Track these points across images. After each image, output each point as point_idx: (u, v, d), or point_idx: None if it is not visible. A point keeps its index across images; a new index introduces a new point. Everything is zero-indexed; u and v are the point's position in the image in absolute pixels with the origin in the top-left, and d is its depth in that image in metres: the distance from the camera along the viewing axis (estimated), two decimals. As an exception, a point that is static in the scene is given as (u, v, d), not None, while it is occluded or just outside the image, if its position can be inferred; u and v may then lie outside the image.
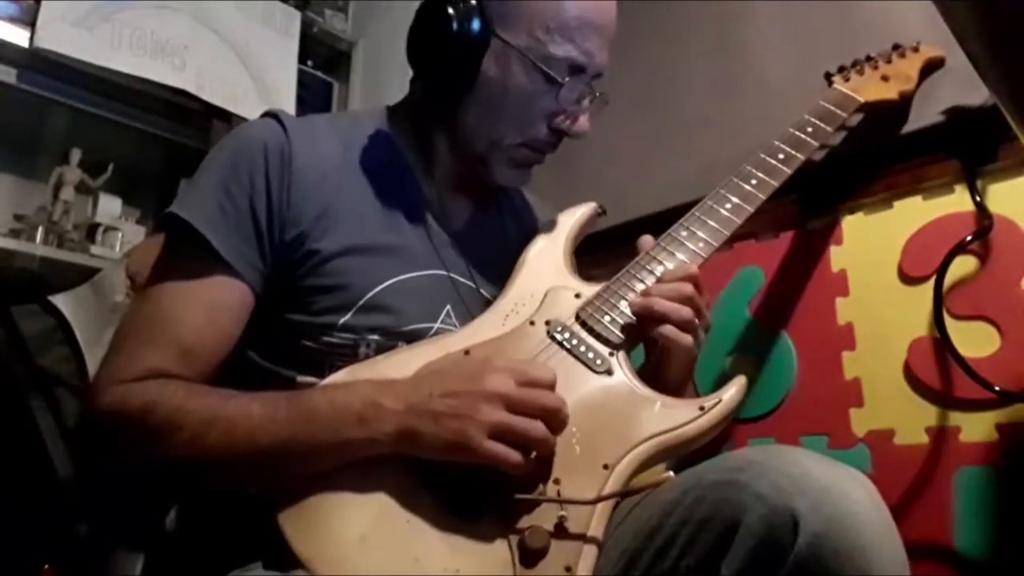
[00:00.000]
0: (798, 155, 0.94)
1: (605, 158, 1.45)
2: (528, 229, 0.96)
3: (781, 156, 0.93)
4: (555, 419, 0.68)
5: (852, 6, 1.18)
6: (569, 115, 0.87)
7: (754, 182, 0.90)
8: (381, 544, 0.65)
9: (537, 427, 0.67)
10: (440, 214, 0.91)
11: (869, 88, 1.04)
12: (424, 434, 0.67)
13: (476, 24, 0.81)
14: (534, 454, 0.67)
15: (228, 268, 0.78)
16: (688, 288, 0.79)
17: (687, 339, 0.77)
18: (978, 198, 1.00)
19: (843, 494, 0.60)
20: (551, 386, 0.69)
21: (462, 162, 0.91)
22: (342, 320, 0.79)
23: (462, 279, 0.89)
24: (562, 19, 0.82)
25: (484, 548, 0.65)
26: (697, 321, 0.79)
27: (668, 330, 0.77)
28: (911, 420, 1.01)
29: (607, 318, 0.79)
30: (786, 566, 0.59)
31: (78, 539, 0.96)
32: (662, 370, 0.84)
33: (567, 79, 0.83)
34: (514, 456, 0.66)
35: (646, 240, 0.87)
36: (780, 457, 0.65)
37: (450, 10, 0.81)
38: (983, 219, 0.99)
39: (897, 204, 1.09)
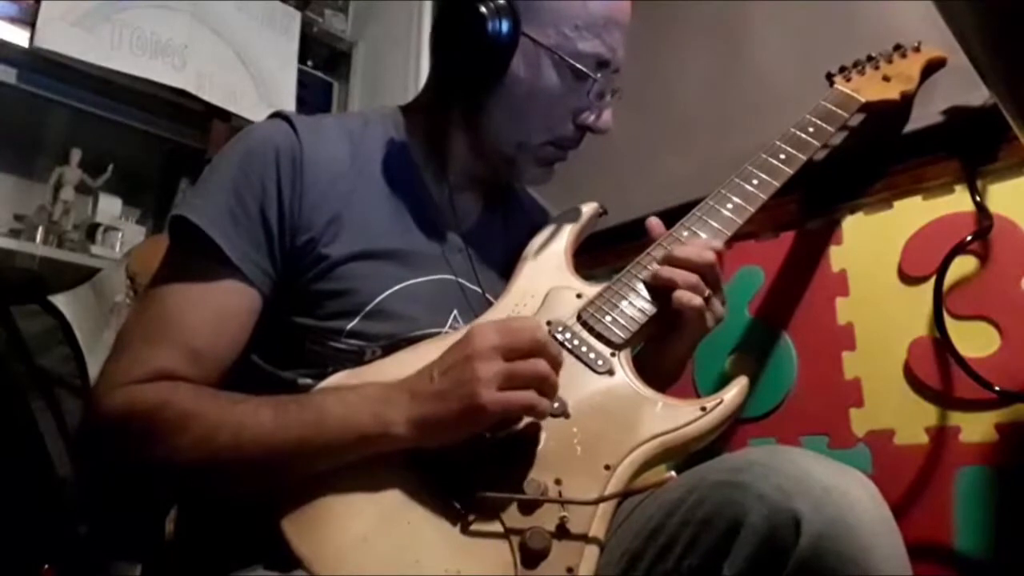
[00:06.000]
0: (800, 155, 0.94)
1: (604, 157, 1.44)
2: (537, 228, 0.95)
3: (783, 156, 0.93)
4: (550, 354, 0.68)
5: (852, 5, 1.18)
6: (594, 111, 0.87)
7: (756, 182, 0.90)
8: (382, 545, 0.65)
9: (539, 363, 0.67)
10: (449, 216, 0.90)
11: (871, 88, 1.04)
12: (435, 416, 0.66)
13: (508, 24, 0.81)
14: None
15: (238, 273, 0.77)
16: (709, 255, 0.79)
17: (698, 300, 0.78)
18: (978, 198, 1.00)
19: (845, 495, 0.60)
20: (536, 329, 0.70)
21: (484, 162, 0.90)
22: (349, 325, 0.79)
23: (469, 284, 0.88)
24: (590, 16, 0.83)
25: (485, 549, 0.65)
26: (713, 292, 0.80)
27: (683, 295, 0.77)
28: (911, 420, 1.01)
29: (608, 318, 0.79)
30: (788, 567, 0.59)
31: (78, 539, 0.96)
32: (668, 345, 0.84)
33: (599, 75, 0.84)
34: (530, 396, 0.66)
35: (654, 223, 0.87)
36: (782, 458, 0.65)
37: (482, 10, 0.80)
38: (983, 219, 0.99)
39: (897, 204, 1.09)
